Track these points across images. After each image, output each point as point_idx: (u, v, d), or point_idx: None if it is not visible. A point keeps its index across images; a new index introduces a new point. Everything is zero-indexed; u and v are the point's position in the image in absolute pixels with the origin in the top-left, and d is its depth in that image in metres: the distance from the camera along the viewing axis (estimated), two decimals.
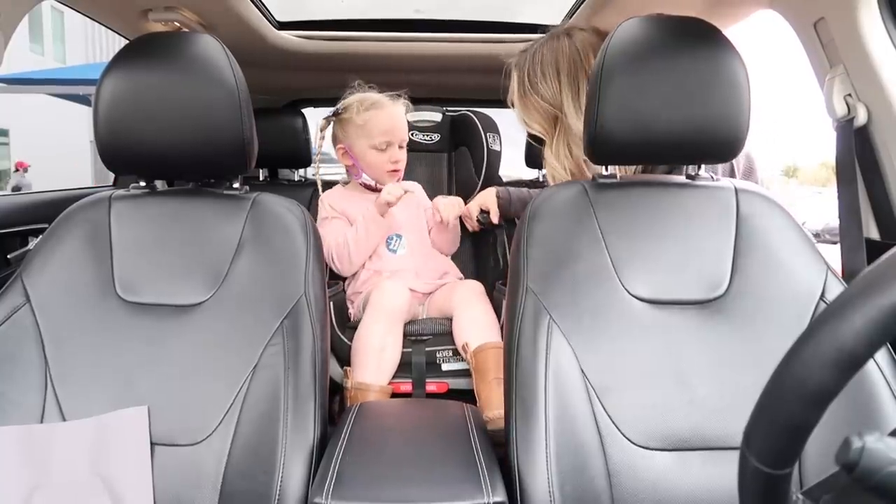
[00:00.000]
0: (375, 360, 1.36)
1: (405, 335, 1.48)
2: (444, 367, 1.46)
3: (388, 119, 1.56)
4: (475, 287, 1.53)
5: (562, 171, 1.21)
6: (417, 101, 1.93)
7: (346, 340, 1.47)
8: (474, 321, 1.41)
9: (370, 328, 1.39)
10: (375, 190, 1.62)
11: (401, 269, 1.58)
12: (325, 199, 1.64)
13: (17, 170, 11.23)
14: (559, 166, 1.20)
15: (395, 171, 1.60)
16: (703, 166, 0.97)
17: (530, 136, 1.31)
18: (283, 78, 2.11)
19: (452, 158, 2.07)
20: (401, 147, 1.60)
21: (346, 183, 1.73)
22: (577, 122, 1.14)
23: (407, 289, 1.50)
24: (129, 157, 0.92)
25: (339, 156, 1.63)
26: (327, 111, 1.69)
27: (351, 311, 1.60)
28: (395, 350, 1.40)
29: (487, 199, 1.59)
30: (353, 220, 1.58)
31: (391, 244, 1.60)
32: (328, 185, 1.75)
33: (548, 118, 1.21)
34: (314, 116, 2.14)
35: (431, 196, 1.75)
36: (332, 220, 1.60)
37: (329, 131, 1.65)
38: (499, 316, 1.47)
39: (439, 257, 1.69)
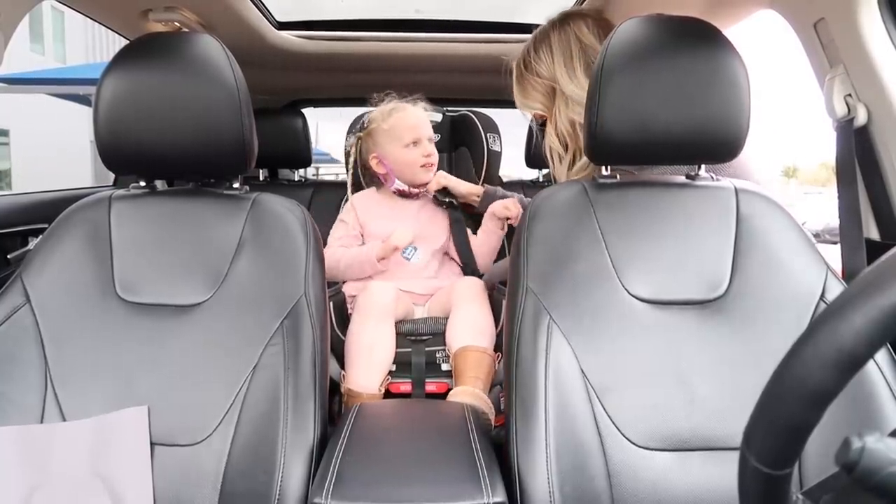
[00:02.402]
0: (366, 360, 1.36)
1: (405, 335, 1.48)
2: (444, 366, 1.46)
3: (411, 117, 1.62)
4: (474, 284, 1.53)
5: (560, 146, 1.24)
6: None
7: (345, 340, 1.47)
8: (464, 323, 1.41)
9: (359, 327, 1.40)
10: (409, 195, 1.65)
11: (412, 282, 1.61)
12: (355, 201, 1.66)
13: None
14: (557, 141, 1.23)
15: (427, 164, 1.62)
16: (703, 166, 0.97)
17: (538, 123, 1.32)
18: (283, 78, 2.11)
19: (452, 158, 2.07)
20: (431, 142, 1.64)
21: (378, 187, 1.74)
22: (571, 87, 1.18)
23: (394, 287, 1.50)
24: (129, 157, 0.92)
25: (374, 165, 1.66)
26: (327, 111, 1.72)
27: (350, 311, 1.60)
28: (385, 349, 1.39)
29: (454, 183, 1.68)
30: (368, 236, 1.61)
31: (406, 252, 1.62)
32: (329, 184, 1.76)
33: (546, 93, 1.24)
34: (314, 117, 2.15)
35: None
36: (345, 224, 1.63)
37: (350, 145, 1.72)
38: (498, 316, 1.47)
39: (447, 268, 1.70)
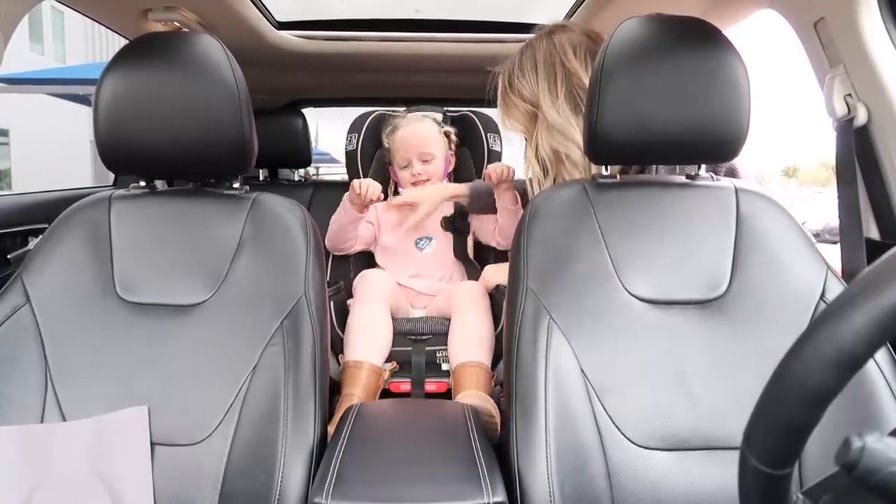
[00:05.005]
0: (362, 339, 1.39)
1: (404, 334, 1.48)
2: (444, 366, 1.46)
3: (402, 139, 1.72)
4: (474, 289, 1.53)
5: (539, 171, 1.22)
6: (417, 101, 1.93)
7: None
8: (464, 335, 1.42)
9: (355, 310, 1.46)
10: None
11: (421, 270, 1.66)
12: (378, 204, 1.76)
13: None
14: (538, 166, 1.22)
15: (416, 182, 1.71)
16: (703, 166, 0.97)
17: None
18: (283, 78, 2.11)
19: None
20: (425, 161, 1.71)
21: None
22: (553, 113, 1.16)
23: (389, 276, 1.56)
24: (129, 157, 0.92)
25: (392, 175, 1.80)
26: (327, 111, 1.76)
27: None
28: (381, 331, 1.42)
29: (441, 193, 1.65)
30: (382, 224, 1.73)
31: (420, 244, 1.70)
32: (329, 184, 1.77)
33: (528, 116, 1.22)
34: (314, 117, 2.15)
35: None
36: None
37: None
38: (499, 316, 1.47)
39: (455, 260, 1.74)
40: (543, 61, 1.20)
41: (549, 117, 1.17)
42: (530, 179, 1.26)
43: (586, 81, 1.14)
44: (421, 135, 1.71)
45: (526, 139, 1.26)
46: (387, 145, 1.77)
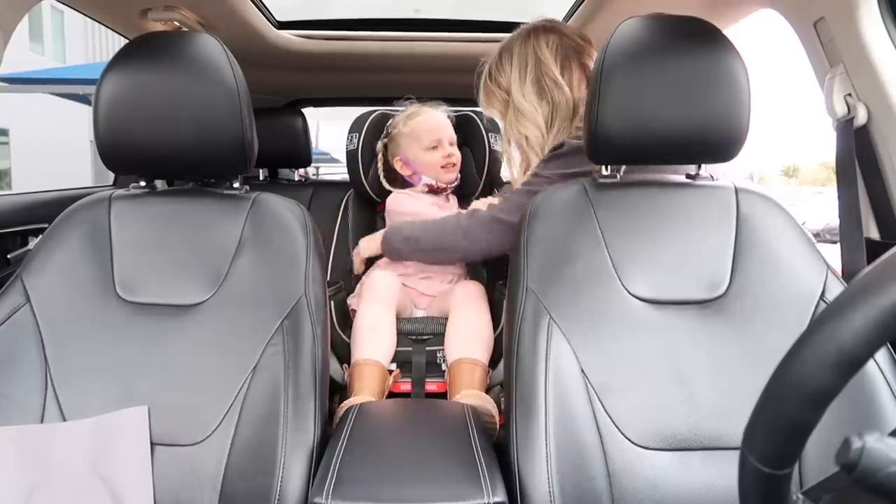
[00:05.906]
0: (368, 338, 1.39)
1: (405, 334, 1.48)
2: (444, 366, 1.46)
3: (430, 120, 1.68)
4: (473, 288, 1.53)
5: (510, 151, 1.32)
6: (417, 102, 1.92)
7: (346, 340, 1.47)
8: (460, 332, 1.41)
9: (362, 312, 1.44)
10: (437, 191, 1.69)
11: (426, 272, 1.63)
12: (389, 204, 1.68)
13: None
14: (509, 147, 1.32)
15: (448, 165, 1.67)
16: (703, 166, 0.97)
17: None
18: (283, 78, 2.11)
19: None
20: (451, 144, 1.69)
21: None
22: (519, 97, 1.25)
23: (393, 277, 1.54)
24: (129, 156, 0.92)
25: (399, 168, 1.71)
26: (327, 111, 1.73)
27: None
28: (388, 332, 1.42)
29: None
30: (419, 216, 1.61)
31: None
32: (329, 184, 1.76)
33: (503, 103, 1.31)
34: (314, 117, 2.15)
35: None
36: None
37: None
38: (499, 316, 1.47)
39: (461, 264, 1.71)
40: (518, 51, 1.29)
41: (515, 100, 1.25)
42: (503, 157, 1.36)
43: (554, 70, 1.24)
44: (446, 121, 1.71)
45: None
46: (404, 130, 1.68)
